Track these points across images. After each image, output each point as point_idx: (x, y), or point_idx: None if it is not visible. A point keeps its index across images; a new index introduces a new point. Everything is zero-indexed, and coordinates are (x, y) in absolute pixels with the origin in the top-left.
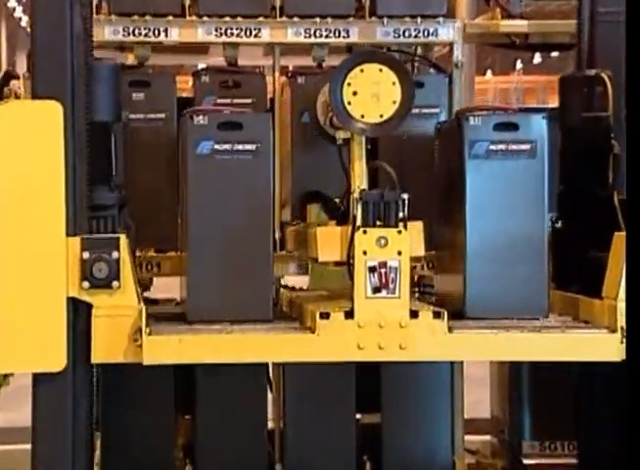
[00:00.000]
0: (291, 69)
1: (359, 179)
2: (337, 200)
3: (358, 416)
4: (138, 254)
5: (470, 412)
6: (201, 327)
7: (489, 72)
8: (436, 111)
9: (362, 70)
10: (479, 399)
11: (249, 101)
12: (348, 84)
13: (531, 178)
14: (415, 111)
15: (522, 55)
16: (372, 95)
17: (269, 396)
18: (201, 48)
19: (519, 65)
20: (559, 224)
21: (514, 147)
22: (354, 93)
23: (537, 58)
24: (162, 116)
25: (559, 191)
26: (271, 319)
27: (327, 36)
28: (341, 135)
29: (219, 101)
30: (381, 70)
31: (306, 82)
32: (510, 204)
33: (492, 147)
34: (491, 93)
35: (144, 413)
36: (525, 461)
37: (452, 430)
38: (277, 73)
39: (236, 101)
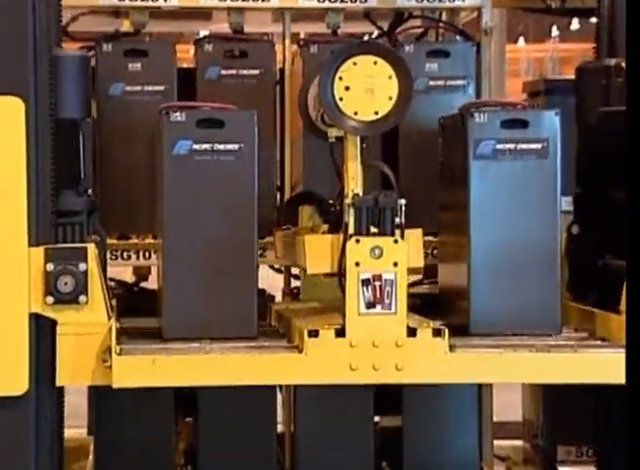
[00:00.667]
0: (302, 36)
1: (353, 181)
2: (331, 201)
3: (377, 419)
4: (135, 240)
5: (499, 415)
6: (177, 346)
7: (522, 40)
8: (463, 83)
9: (355, 63)
10: (509, 401)
11: (256, 72)
12: (340, 78)
13: (543, 181)
14: (439, 83)
15: (558, 21)
16: (366, 90)
17: (278, 396)
18: (203, 14)
19: (555, 31)
20: (575, 230)
21: (523, 146)
22: (347, 88)
23: (575, 24)
24: (161, 88)
25: (575, 193)
26: (255, 336)
27: (342, 1)
28: (333, 133)
29: (224, 72)
30: (375, 63)
31: (320, 51)
32: (519, 209)
33: (499, 146)
34: (524, 63)
35: (140, 415)
36: (561, 468)
37: (480, 434)
38: (287, 42)
39: (242, 72)
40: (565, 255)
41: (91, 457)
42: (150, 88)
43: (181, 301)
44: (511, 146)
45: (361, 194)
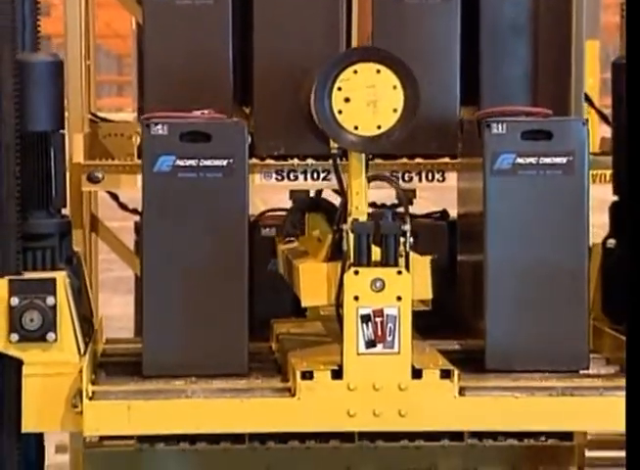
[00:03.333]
0: None
1: (357, 197)
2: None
3: None
4: None
5: None
6: (157, 386)
7: None
8: None
9: (356, 72)
10: None
11: None
12: (339, 89)
13: (568, 199)
14: None
15: None
16: (368, 102)
17: None
18: None
19: None
20: (611, 244)
21: (547, 160)
22: (346, 99)
23: None
24: None
25: (612, 203)
26: (246, 373)
27: None
28: (335, 144)
29: None
30: (378, 72)
31: None
32: (542, 230)
33: (520, 160)
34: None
35: None
36: None
37: None
38: None
39: None
40: (599, 272)
41: None
42: None
43: (163, 333)
44: (533, 160)
45: (366, 211)
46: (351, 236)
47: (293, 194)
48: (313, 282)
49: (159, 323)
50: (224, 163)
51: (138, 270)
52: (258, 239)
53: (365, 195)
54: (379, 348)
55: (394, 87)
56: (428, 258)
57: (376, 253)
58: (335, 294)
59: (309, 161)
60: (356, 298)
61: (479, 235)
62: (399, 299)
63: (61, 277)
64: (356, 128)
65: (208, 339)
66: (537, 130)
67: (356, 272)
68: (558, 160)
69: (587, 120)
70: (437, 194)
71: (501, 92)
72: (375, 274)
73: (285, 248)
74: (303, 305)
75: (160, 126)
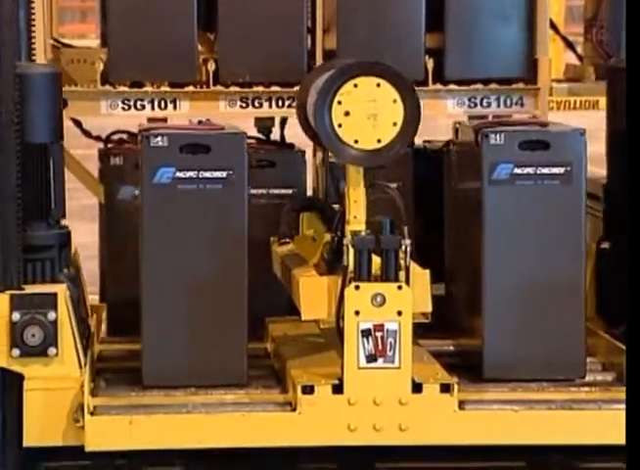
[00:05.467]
0: None
1: (355, 206)
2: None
3: None
4: (149, 88)
5: None
6: (157, 400)
7: None
8: None
9: (356, 85)
10: None
11: None
12: (339, 102)
13: (566, 208)
14: None
15: None
16: (368, 116)
17: None
18: None
19: None
20: (605, 245)
21: (544, 170)
22: (346, 113)
23: None
24: None
25: (605, 205)
26: (245, 383)
27: None
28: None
29: None
30: (378, 85)
31: None
32: (539, 241)
33: (517, 170)
34: None
35: None
36: None
37: None
38: None
39: None
40: (592, 274)
41: None
42: None
43: (163, 345)
44: (530, 170)
45: (364, 220)
46: (351, 250)
47: (258, 122)
48: (313, 296)
49: (158, 333)
50: (224, 174)
51: (102, 198)
52: None
53: (363, 201)
54: (379, 362)
55: (394, 101)
56: (426, 272)
57: (375, 263)
58: (335, 308)
59: (274, 88)
60: (357, 312)
61: (474, 246)
62: (400, 313)
63: (62, 291)
64: (356, 142)
65: (208, 349)
66: (535, 141)
67: (357, 287)
68: (555, 170)
69: (585, 131)
70: None
71: (466, 19)
72: (375, 289)
73: (280, 251)
74: (303, 318)
75: (159, 138)
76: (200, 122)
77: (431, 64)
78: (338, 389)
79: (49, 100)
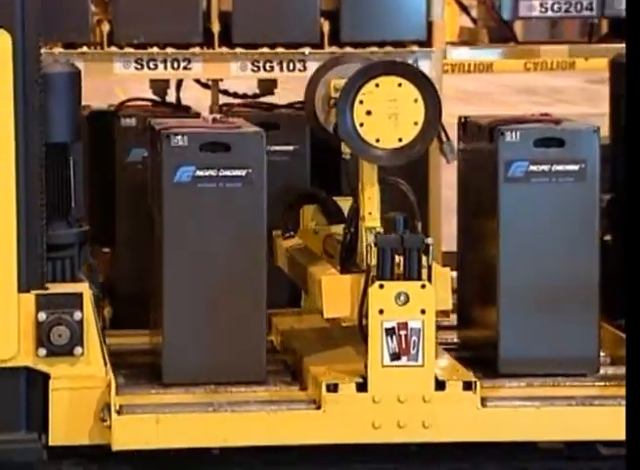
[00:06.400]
0: None
1: (370, 202)
2: (335, 198)
3: None
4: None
5: None
6: (180, 398)
7: None
8: None
9: (377, 85)
10: None
11: None
12: (361, 102)
13: (580, 205)
14: None
15: None
16: (389, 115)
17: None
18: None
19: None
20: (608, 238)
21: (559, 168)
22: (368, 113)
23: None
24: None
25: (609, 198)
26: (264, 380)
27: None
28: (347, 149)
29: None
30: (400, 85)
31: None
32: (554, 238)
33: (533, 168)
34: None
35: None
36: None
37: None
38: None
39: None
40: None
41: None
42: None
43: (183, 342)
44: (545, 167)
45: (378, 217)
46: (374, 249)
47: (153, 84)
48: (335, 294)
49: (178, 332)
50: (243, 172)
51: None
52: (119, 129)
53: (376, 197)
54: (403, 360)
55: (415, 100)
56: (447, 270)
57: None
58: (357, 306)
59: (169, 49)
60: (381, 311)
61: (489, 243)
62: (423, 312)
63: (87, 291)
64: (378, 141)
65: (228, 347)
66: (550, 138)
67: (381, 286)
68: (570, 167)
69: (598, 128)
70: (300, 84)
71: None
72: (399, 288)
73: (286, 245)
74: (326, 317)
75: (179, 137)
76: (214, 120)
77: (326, 26)
78: (362, 387)
79: (69, 99)
